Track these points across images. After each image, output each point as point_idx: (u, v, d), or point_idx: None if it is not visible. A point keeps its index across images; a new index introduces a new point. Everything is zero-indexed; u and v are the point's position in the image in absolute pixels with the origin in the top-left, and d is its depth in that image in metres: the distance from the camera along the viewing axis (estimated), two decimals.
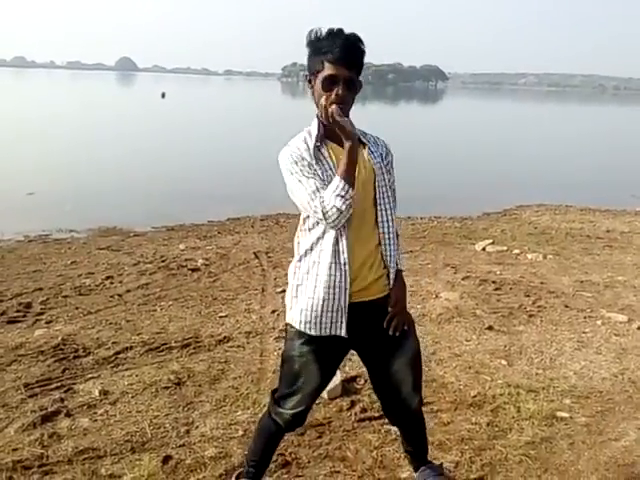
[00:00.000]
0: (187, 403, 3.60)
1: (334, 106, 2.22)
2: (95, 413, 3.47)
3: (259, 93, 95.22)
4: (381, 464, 3.06)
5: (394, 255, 2.43)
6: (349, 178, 2.21)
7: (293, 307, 2.45)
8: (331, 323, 2.34)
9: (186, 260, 6.75)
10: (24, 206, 9.86)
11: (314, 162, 2.28)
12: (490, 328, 4.89)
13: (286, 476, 2.96)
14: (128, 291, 5.62)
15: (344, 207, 2.19)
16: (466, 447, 3.23)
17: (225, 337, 4.59)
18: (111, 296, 5.47)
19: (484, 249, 7.69)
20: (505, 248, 7.72)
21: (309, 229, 2.37)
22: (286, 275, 6.51)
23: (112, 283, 5.86)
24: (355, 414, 3.51)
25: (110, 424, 3.36)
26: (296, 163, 2.27)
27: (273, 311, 5.13)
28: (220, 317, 5.02)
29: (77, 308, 5.13)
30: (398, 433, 3.22)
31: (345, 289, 2.31)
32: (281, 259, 6.88)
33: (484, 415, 3.55)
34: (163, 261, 6.68)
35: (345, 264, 2.29)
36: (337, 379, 3.74)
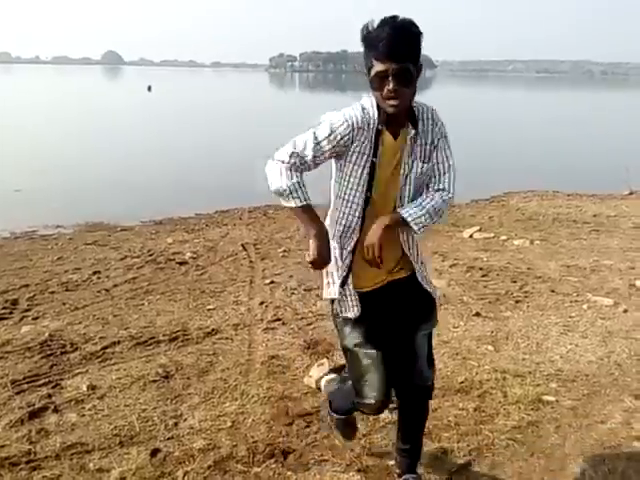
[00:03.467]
0: (175, 396, 3.61)
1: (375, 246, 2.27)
2: (83, 408, 3.46)
3: (246, 84, 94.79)
4: (369, 452, 3.08)
5: (414, 240, 2.48)
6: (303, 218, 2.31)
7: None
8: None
9: (174, 254, 6.74)
10: (10, 203, 9.79)
11: (365, 144, 2.28)
12: (477, 314, 4.91)
13: (274, 465, 2.97)
14: (115, 286, 5.60)
15: (277, 186, 2.27)
16: (453, 433, 3.25)
17: (213, 330, 4.59)
18: (98, 291, 5.46)
19: (471, 236, 7.71)
20: (492, 235, 7.75)
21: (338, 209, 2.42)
22: (274, 267, 6.50)
23: (99, 278, 5.84)
24: None
25: (98, 419, 3.35)
26: (339, 132, 2.26)
27: (261, 303, 5.14)
28: (208, 310, 5.01)
29: (64, 304, 5.11)
30: (387, 420, 3.25)
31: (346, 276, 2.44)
32: (269, 251, 6.88)
33: (471, 401, 3.57)
34: (150, 255, 6.66)
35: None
36: (325, 368, 3.76)
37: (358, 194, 2.35)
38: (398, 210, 2.34)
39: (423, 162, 2.37)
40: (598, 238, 7.73)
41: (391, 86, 2.19)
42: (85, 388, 3.65)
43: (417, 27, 2.21)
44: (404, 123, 2.33)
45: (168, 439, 3.17)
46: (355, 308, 2.45)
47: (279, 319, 4.79)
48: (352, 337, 2.48)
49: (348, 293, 2.45)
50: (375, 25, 2.21)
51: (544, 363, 4.07)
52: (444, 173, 2.42)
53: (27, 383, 3.71)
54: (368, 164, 2.31)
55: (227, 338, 4.44)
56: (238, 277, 5.91)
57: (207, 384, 3.75)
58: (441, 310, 5.02)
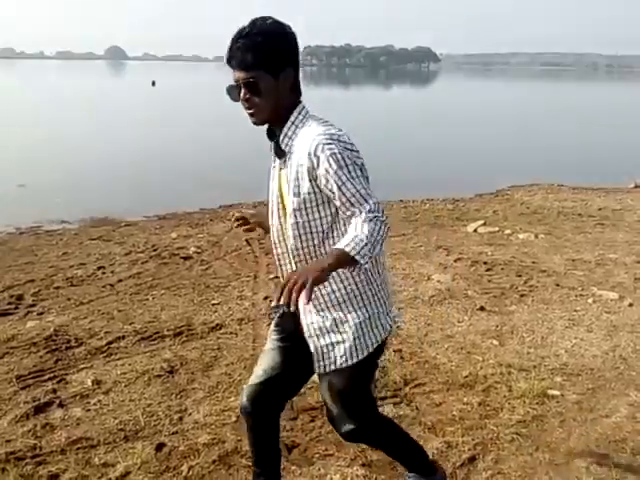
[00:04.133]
0: (180, 391, 3.61)
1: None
2: (88, 403, 3.47)
3: None
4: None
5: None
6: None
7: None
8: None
9: (178, 248, 6.74)
10: (15, 198, 9.81)
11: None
12: (482, 309, 4.90)
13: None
14: (120, 281, 5.61)
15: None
16: (458, 427, 3.25)
17: (218, 324, 4.59)
18: (103, 286, 5.47)
19: (476, 230, 7.70)
20: (497, 229, 7.73)
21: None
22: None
23: (104, 273, 5.85)
24: None
25: (103, 413, 3.36)
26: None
27: (265, 297, 5.14)
28: (212, 305, 5.02)
29: (69, 299, 5.12)
30: (392, 415, 3.25)
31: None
32: None
33: (476, 395, 3.57)
34: (155, 250, 6.67)
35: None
36: None
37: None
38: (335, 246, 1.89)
39: (295, 195, 2.04)
40: (603, 232, 7.71)
41: (242, 95, 2.01)
42: (90, 383, 3.66)
43: (264, 32, 1.96)
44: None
45: (173, 434, 3.17)
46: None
47: None
48: (270, 337, 2.37)
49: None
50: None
51: (549, 357, 4.06)
52: (350, 197, 1.95)
53: (32, 378, 3.72)
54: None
55: (231, 333, 4.44)
56: (242, 272, 5.91)
57: (212, 379, 3.75)
58: (445, 304, 5.03)
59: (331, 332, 2.16)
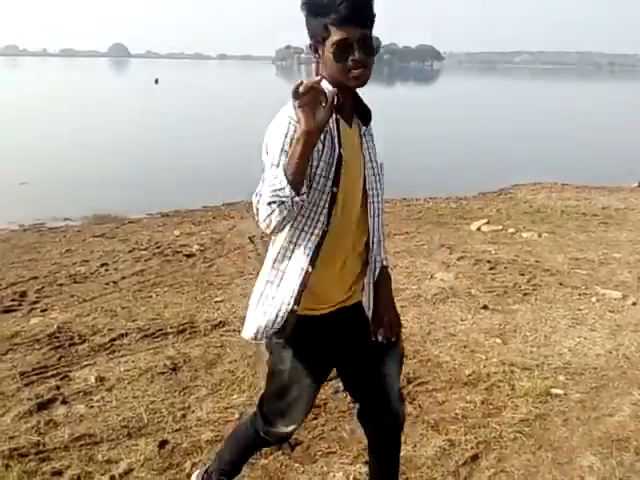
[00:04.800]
0: (183, 388, 3.62)
1: (333, 90, 1.82)
2: (91, 400, 3.48)
3: (253, 77, 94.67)
4: None
5: (379, 254, 2.15)
6: (293, 173, 1.79)
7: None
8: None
9: (181, 246, 6.75)
10: (18, 195, 9.81)
11: (320, 137, 1.87)
12: (485, 307, 4.90)
13: (282, 457, 2.98)
14: (123, 278, 5.62)
15: (269, 201, 1.79)
16: (461, 425, 3.25)
17: (221, 322, 4.60)
18: (106, 283, 5.47)
19: (479, 229, 7.69)
20: (500, 227, 7.72)
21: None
22: None
23: (107, 270, 5.86)
24: None
25: (106, 410, 3.37)
26: (290, 141, 1.85)
27: None
28: (216, 302, 5.02)
29: (72, 296, 5.13)
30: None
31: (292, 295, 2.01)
32: None
33: (479, 393, 3.57)
34: (158, 247, 6.67)
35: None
36: None
37: (325, 187, 1.94)
38: (376, 262, 2.11)
39: (380, 167, 2.11)
40: (607, 231, 7.70)
41: (357, 55, 1.87)
42: (93, 380, 3.67)
43: None
44: (351, 111, 2.04)
45: (176, 431, 3.18)
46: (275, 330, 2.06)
47: None
48: (292, 366, 2.10)
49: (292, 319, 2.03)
50: None
51: (552, 356, 4.06)
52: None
53: (36, 375, 3.72)
54: (335, 155, 1.94)
55: (234, 330, 4.44)
56: (245, 269, 5.91)
57: (215, 376, 3.76)
58: (448, 303, 5.03)
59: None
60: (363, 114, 2.07)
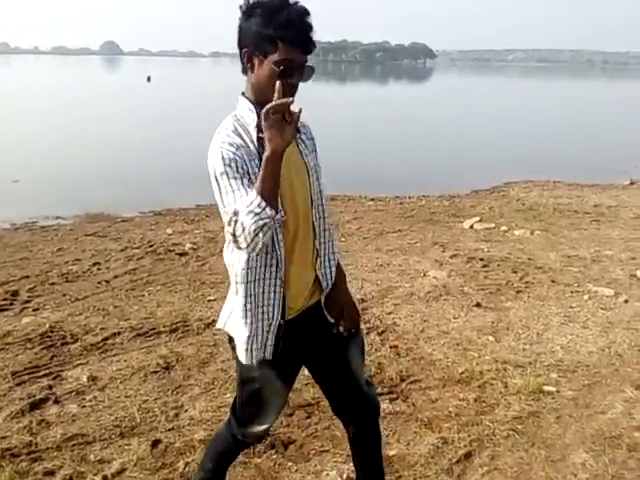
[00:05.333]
0: (176, 387, 3.61)
1: (297, 108, 1.79)
2: (84, 399, 3.47)
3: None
4: None
5: (332, 253, 2.18)
6: (269, 193, 1.79)
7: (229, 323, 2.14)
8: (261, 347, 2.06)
9: (174, 245, 6.73)
10: (9, 194, 9.76)
11: (254, 158, 1.90)
12: (478, 305, 4.91)
13: (275, 456, 2.98)
14: (115, 277, 5.60)
15: (254, 227, 1.78)
16: (454, 423, 3.26)
17: (214, 320, 4.57)
18: (98, 282, 5.45)
19: (472, 227, 7.70)
20: (493, 225, 7.73)
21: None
22: None
23: (99, 269, 5.84)
24: None
25: (99, 410, 3.36)
26: (229, 165, 1.86)
27: None
28: (209, 301, 5.01)
29: (64, 295, 5.11)
30: (388, 411, 3.25)
31: (277, 311, 2.04)
32: None
33: (472, 391, 3.58)
34: (151, 246, 6.65)
35: (279, 282, 2.02)
36: None
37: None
38: (329, 260, 2.15)
39: (318, 167, 2.12)
40: (599, 228, 7.72)
41: (295, 79, 1.88)
42: (86, 379, 3.65)
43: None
44: None
45: (169, 430, 3.17)
46: (270, 348, 2.06)
47: None
48: (261, 372, 2.11)
49: (267, 329, 2.05)
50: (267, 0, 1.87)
51: (545, 353, 4.07)
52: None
53: (28, 374, 3.71)
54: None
55: None
56: None
57: (208, 375, 3.75)
58: (441, 300, 5.03)
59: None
60: None
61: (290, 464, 2.93)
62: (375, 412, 2.37)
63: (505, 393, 3.55)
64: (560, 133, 20.61)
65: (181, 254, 6.36)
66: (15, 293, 5.15)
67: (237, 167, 1.87)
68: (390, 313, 4.75)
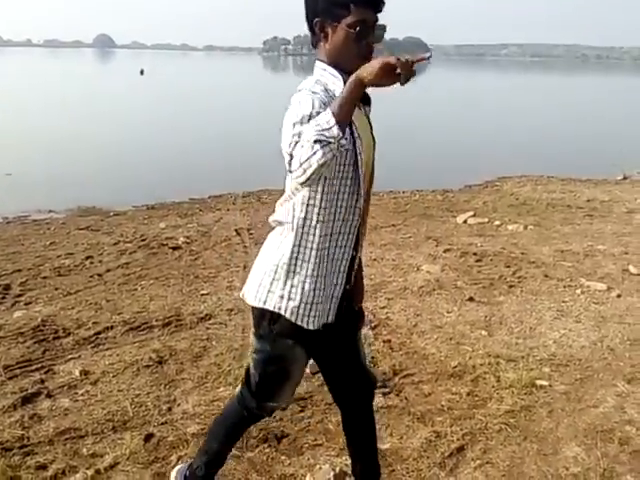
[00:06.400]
0: (169, 381, 3.60)
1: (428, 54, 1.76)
2: (76, 393, 3.45)
3: (240, 68, 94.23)
4: None
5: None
6: (342, 116, 1.70)
7: (285, 294, 2.04)
8: (323, 312, 2.06)
9: (167, 238, 6.71)
10: (1, 187, 9.71)
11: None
12: (471, 299, 4.91)
13: (268, 450, 2.97)
14: (108, 271, 5.58)
15: (315, 140, 1.67)
16: (447, 417, 3.26)
17: (207, 315, 4.58)
18: (91, 276, 5.43)
19: (465, 221, 7.71)
20: (486, 220, 7.74)
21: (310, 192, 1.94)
22: None
23: (92, 263, 5.81)
24: None
25: (91, 404, 3.35)
26: (318, 112, 1.75)
27: None
28: (202, 295, 5.00)
29: (57, 289, 5.09)
30: (380, 405, 3.25)
31: (344, 277, 2.08)
32: (262, 236, 6.78)
33: (464, 385, 3.58)
34: (143, 240, 6.63)
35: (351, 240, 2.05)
36: None
37: (350, 174, 1.94)
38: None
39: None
40: (592, 223, 7.74)
41: (372, 39, 1.89)
42: (78, 373, 3.64)
43: None
44: None
45: (162, 424, 3.16)
46: (333, 313, 2.09)
47: None
48: (295, 348, 2.12)
49: (334, 295, 2.08)
50: None
51: (537, 348, 4.08)
52: None
53: (20, 368, 3.69)
54: (357, 144, 1.92)
55: (221, 323, 4.43)
56: (232, 262, 5.89)
57: (201, 369, 3.74)
58: (434, 295, 5.04)
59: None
60: (365, 97, 2.01)
61: (283, 458, 2.93)
62: (372, 396, 2.47)
63: (498, 387, 3.55)
64: (553, 128, 20.63)
65: (174, 248, 6.34)
66: (7, 287, 5.12)
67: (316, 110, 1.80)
68: (383, 307, 4.76)
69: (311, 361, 3.54)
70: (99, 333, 4.21)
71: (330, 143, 1.67)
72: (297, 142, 1.74)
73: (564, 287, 5.24)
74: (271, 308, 2.05)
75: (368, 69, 1.71)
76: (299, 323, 2.03)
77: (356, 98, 1.75)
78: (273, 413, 2.43)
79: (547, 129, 20.07)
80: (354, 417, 2.46)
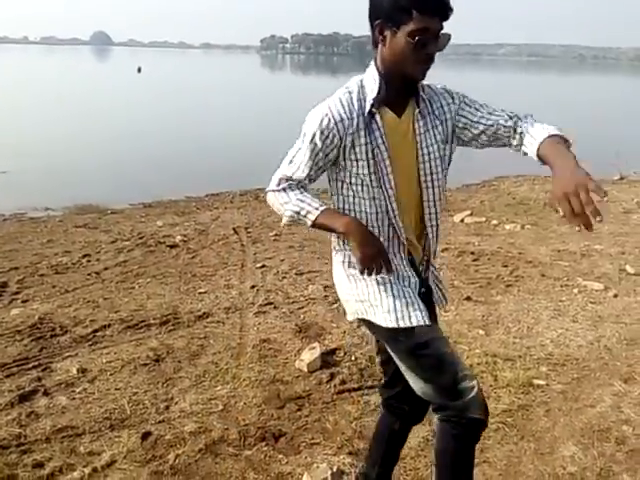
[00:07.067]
0: (166, 379, 3.60)
1: None
2: (73, 391, 3.45)
3: (237, 66, 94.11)
4: (360, 435, 3.08)
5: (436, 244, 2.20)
6: (318, 224, 1.94)
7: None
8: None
9: (164, 237, 6.70)
10: None
11: (356, 131, 1.88)
12: (468, 299, 4.92)
13: (265, 449, 2.97)
14: (105, 269, 5.57)
15: (287, 215, 1.99)
16: None
17: (204, 313, 4.57)
18: (88, 274, 5.42)
19: (463, 220, 7.72)
20: (483, 219, 7.75)
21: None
22: (265, 250, 6.46)
23: (89, 261, 5.81)
24: (334, 386, 3.53)
25: (89, 402, 3.34)
26: (321, 133, 1.88)
27: (252, 286, 5.12)
28: (199, 293, 5.00)
29: (54, 287, 5.08)
30: (377, 404, 3.25)
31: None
32: (260, 234, 6.86)
33: None
34: (141, 238, 6.62)
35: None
36: (316, 352, 3.76)
37: (377, 193, 1.95)
38: (542, 132, 1.96)
39: (444, 142, 2.02)
40: None
41: (432, 49, 1.81)
42: (75, 371, 3.63)
43: None
44: (406, 98, 1.95)
45: (159, 422, 3.16)
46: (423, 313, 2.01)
47: (270, 303, 4.78)
48: (422, 333, 1.96)
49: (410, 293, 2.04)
50: None
51: (534, 347, 4.08)
52: (497, 110, 2.05)
53: (17, 366, 3.69)
54: (377, 153, 1.92)
55: (218, 322, 4.43)
56: (229, 261, 5.89)
57: (198, 367, 3.74)
58: None
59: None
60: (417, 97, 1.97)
61: (281, 456, 2.92)
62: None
63: (495, 386, 3.56)
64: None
65: (172, 246, 6.34)
66: (4, 284, 5.12)
67: (324, 139, 1.89)
68: None
69: (310, 358, 3.55)
70: (96, 331, 4.21)
71: (297, 221, 1.97)
72: (281, 188, 2.01)
73: (561, 287, 5.25)
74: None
75: (358, 244, 1.90)
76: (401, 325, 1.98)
77: (334, 231, 1.97)
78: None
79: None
80: (404, 429, 2.44)
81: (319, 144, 1.90)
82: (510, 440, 3.08)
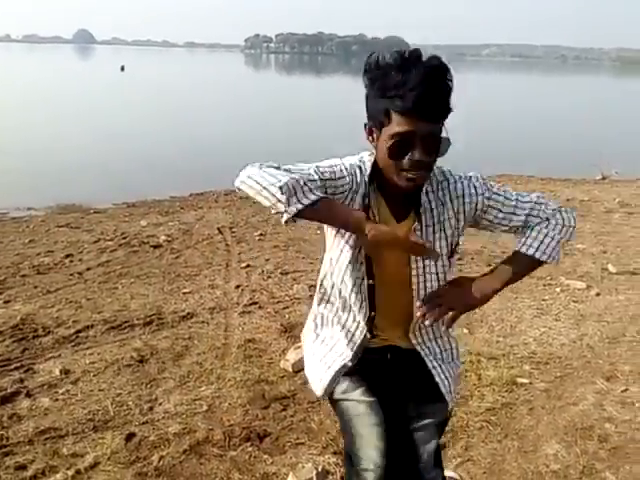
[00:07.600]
0: (150, 380, 3.57)
1: (415, 237, 1.61)
2: (56, 393, 3.42)
3: (221, 65, 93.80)
4: None
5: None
6: (307, 214, 1.56)
7: None
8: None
9: (148, 237, 6.66)
10: None
11: (355, 195, 1.70)
12: None
13: (250, 449, 2.96)
14: (88, 269, 5.53)
15: (268, 191, 1.55)
16: None
17: (189, 313, 4.55)
18: (71, 274, 5.38)
19: None
20: None
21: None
22: (250, 250, 6.44)
23: (72, 261, 5.76)
24: None
25: (72, 403, 3.31)
26: (330, 169, 1.67)
27: (237, 286, 5.11)
28: (183, 293, 4.97)
29: (36, 287, 5.03)
30: None
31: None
32: (245, 234, 6.84)
33: None
34: (124, 238, 6.57)
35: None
36: (302, 352, 3.75)
37: (353, 279, 1.79)
38: (529, 244, 1.79)
39: (448, 247, 1.82)
40: None
41: (417, 155, 1.59)
42: (58, 372, 3.60)
43: (450, 71, 1.64)
44: (407, 207, 1.75)
45: (143, 423, 3.14)
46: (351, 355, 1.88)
47: (255, 303, 4.77)
48: (345, 387, 1.89)
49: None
50: (387, 60, 1.61)
51: (518, 346, 4.11)
52: (529, 208, 1.79)
53: None
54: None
55: (203, 322, 4.41)
56: (214, 260, 5.87)
57: (182, 368, 3.72)
58: None
59: (446, 363, 1.98)
60: (417, 204, 1.74)
61: (265, 456, 2.92)
62: None
63: (479, 385, 3.58)
64: (533, 128, 20.80)
65: (155, 246, 6.30)
66: None
67: (330, 175, 1.66)
68: None
69: (295, 358, 3.54)
70: (79, 332, 4.17)
71: (278, 211, 1.56)
72: (296, 178, 1.57)
73: (544, 285, 5.29)
74: None
75: (379, 236, 1.59)
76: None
77: (331, 222, 1.69)
78: None
79: (526, 129, 20.23)
80: None
81: (325, 174, 1.67)
82: (494, 438, 3.10)
